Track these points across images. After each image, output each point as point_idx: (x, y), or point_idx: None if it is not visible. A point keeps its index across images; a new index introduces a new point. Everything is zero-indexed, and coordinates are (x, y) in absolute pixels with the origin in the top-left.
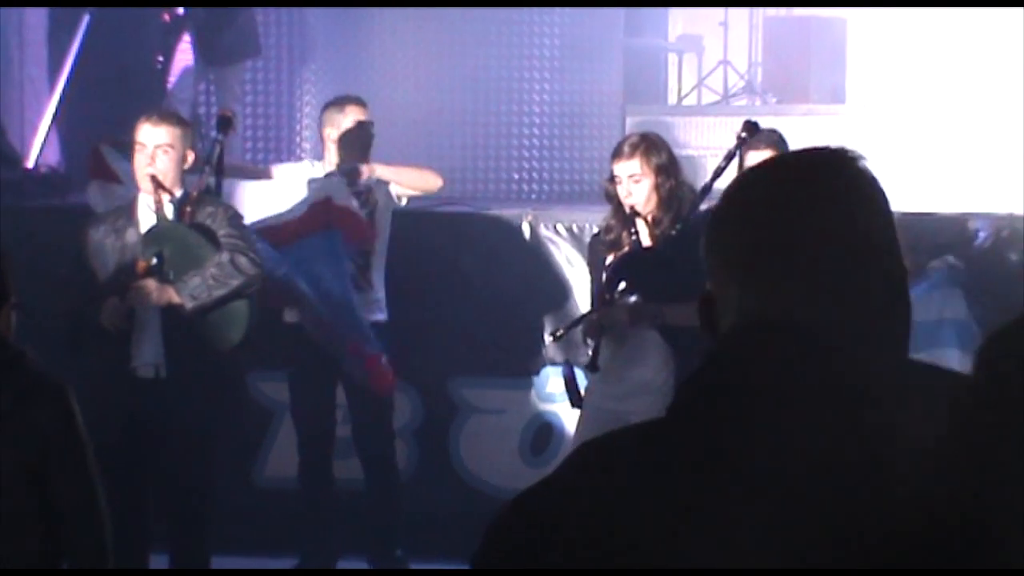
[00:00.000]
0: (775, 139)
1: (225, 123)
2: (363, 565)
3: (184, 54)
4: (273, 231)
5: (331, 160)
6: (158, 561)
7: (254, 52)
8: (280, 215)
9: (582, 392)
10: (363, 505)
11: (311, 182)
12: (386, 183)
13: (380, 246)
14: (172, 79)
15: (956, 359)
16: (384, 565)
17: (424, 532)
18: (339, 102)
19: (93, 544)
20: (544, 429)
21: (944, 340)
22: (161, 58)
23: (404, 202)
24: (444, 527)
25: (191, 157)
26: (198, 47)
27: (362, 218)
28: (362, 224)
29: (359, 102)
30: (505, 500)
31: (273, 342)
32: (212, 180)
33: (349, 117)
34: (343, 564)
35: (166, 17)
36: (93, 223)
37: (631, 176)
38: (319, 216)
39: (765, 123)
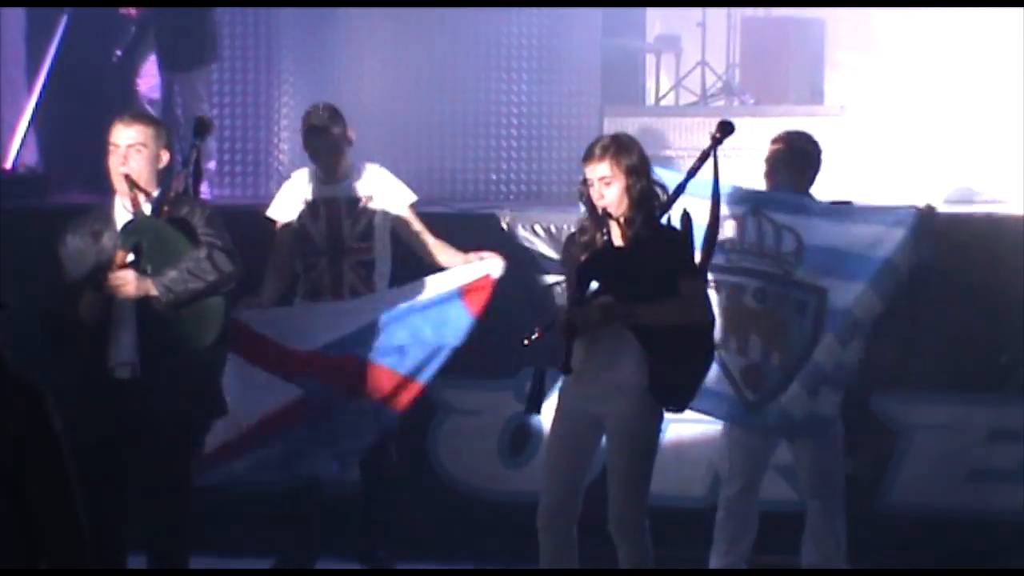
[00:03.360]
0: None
1: (202, 128)
2: (342, 566)
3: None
4: None
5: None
6: (136, 562)
7: (212, 58)
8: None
9: (543, 399)
10: (354, 505)
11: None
12: (384, 190)
13: (382, 254)
14: (142, 79)
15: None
16: (368, 565)
17: (402, 532)
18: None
19: (69, 546)
20: (522, 430)
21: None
22: (119, 52)
23: (406, 212)
24: (422, 527)
25: (166, 156)
26: (158, 52)
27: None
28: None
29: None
30: (482, 501)
31: None
32: (190, 183)
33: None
34: (321, 565)
35: (131, 12)
36: (71, 228)
37: (602, 179)
38: None
39: (743, 124)
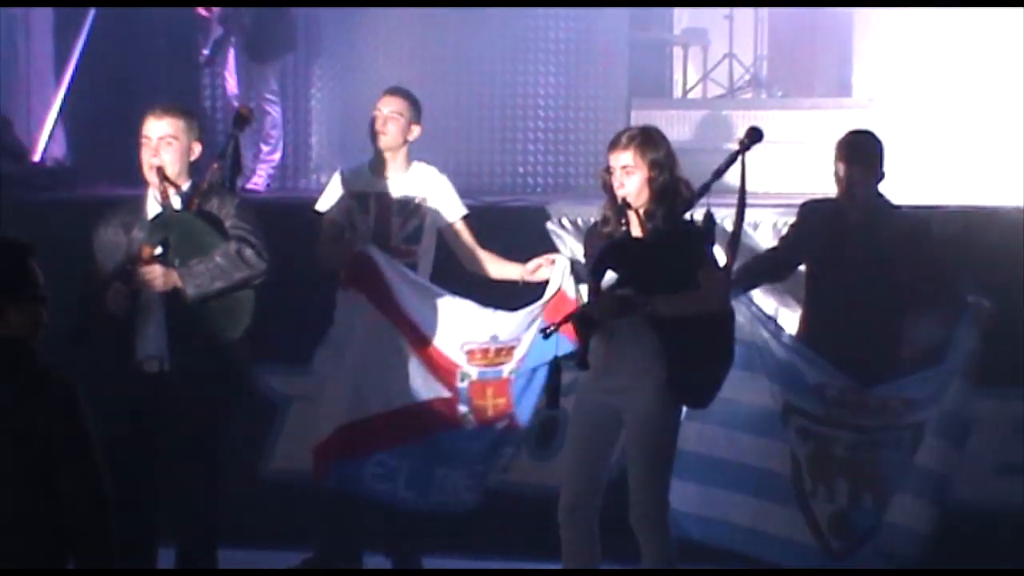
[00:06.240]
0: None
1: (241, 119)
2: (379, 560)
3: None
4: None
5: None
6: (165, 555)
7: (292, 47)
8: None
9: (560, 393)
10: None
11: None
12: (439, 196)
13: (425, 261)
14: (228, 74)
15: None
16: (397, 559)
17: (428, 525)
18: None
19: (99, 538)
20: (549, 422)
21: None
22: (206, 52)
23: (459, 223)
24: (447, 520)
25: (197, 149)
26: (246, 45)
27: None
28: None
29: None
30: (508, 493)
31: (281, 336)
32: (227, 175)
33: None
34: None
35: (204, 13)
36: (104, 220)
37: (624, 167)
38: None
39: (771, 116)
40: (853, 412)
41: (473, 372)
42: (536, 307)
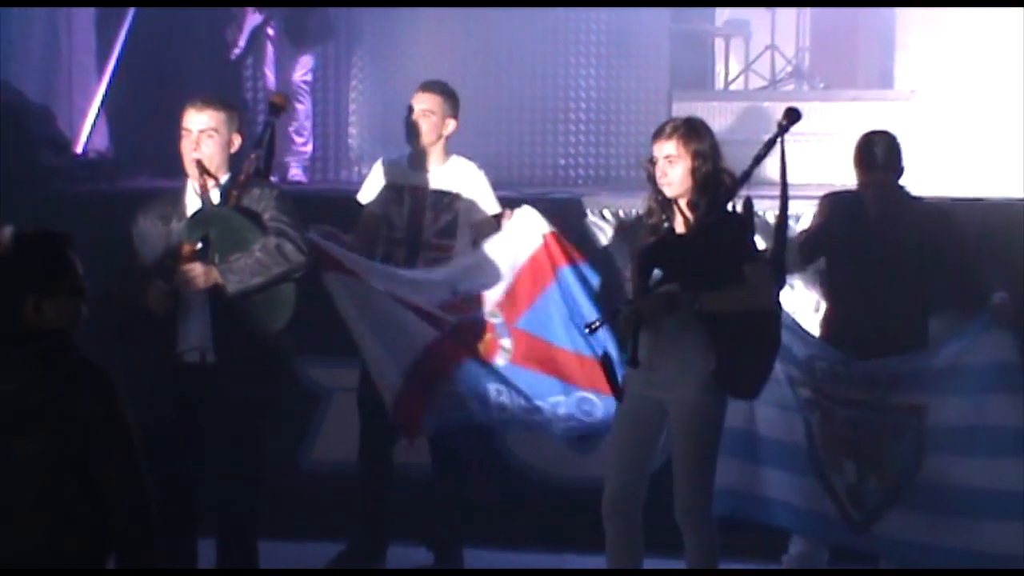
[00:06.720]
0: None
1: (277, 108)
2: (411, 551)
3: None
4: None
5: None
6: (205, 546)
7: (330, 34)
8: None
9: (620, 381)
10: (422, 489)
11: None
12: (474, 191)
13: (459, 253)
14: (269, 70)
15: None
16: (438, 550)
17: (471, 518)
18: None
19: (138, 529)
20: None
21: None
22: (241, 45)
23: (490, 214)
24: (491, 513)
25: (237, 141)
26: (286, 27)
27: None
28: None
29: (424, 87)
30: (549, 485)
31: (322, 328)
32: (262, 163)
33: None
34: (392, 550)
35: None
36: (142, 210)
37: (667, 157)
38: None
39: (813, 108)
40: (843, 385)
41: (453, 319)
42: (495, 252)
